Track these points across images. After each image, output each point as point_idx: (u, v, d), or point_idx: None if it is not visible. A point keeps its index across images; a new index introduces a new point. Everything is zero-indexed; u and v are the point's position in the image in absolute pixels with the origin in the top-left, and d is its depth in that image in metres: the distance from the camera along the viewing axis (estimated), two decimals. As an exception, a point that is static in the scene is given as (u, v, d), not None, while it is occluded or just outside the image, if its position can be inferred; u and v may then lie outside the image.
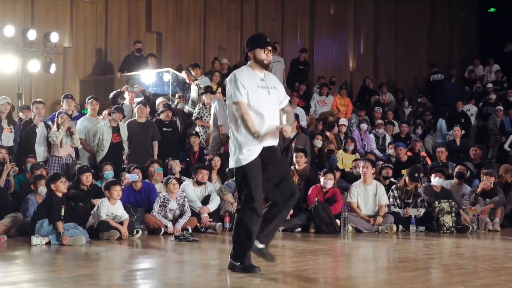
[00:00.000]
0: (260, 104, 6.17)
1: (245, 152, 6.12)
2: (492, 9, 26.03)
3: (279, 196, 6.24)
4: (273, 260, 6.33)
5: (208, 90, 14.29)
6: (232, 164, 6.25)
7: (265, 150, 6.19)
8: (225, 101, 15.21)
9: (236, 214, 6.31)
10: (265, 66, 6.29)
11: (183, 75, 15.84)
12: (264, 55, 6.25)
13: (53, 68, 14.86)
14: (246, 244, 6.16)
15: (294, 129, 6.23)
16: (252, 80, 6.21)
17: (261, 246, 6.30)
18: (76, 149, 12.40)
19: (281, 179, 6.25)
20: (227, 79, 6.32)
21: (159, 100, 14.73)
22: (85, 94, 15.36)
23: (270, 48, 6.29)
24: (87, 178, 10.64)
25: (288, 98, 6.53)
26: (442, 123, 17.37)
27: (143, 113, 13.14)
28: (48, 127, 12.07)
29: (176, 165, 12.35)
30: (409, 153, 15.23)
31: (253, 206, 6.09)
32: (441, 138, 17.15)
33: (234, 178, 11.25)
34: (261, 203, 6.14)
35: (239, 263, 6.19)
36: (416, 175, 11.94)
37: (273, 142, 6.27)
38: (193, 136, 13.64)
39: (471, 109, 19.09)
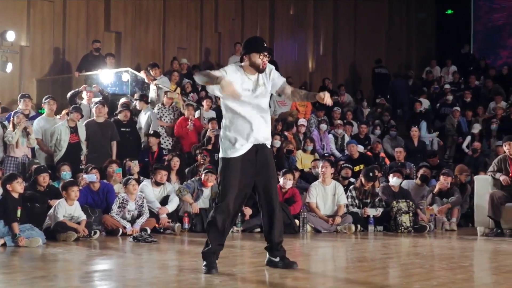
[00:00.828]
0: (243, 107, 6.19)
1: (232, 146, 6.20)
2: (449, 11, 26.33)
3: (265, 209, 6.32)
4: (294, 266, 6.35)
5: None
6: (220, 155, 6.35)
7: (260, 150, 6.24)
8: (184, 101, 15.23)
9: (210, 214, 6.40)
10: (260, 71, 6.28)
11: (142, 75, 15.78)
12: (259, 60, 6.23)
13: (9, 67, 14.70)
14: (214, 241, 6.22)
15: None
16: (237, 82, 6.17)
17: (276, 259, 6.38)
18: (33, 149, 12.27)
19: (269, 189, 6.32)
20: None
21: (122, 100, 14.67)
22: (42, 93, 15.22)
23: (266, 53, 6.26)
24: (44, 179, 10.53)
25: (284, 80, 6.49)
26: (422, 125, 17.49)
27: (101, 113, 13.04)
28: (4, 127, 11.91)
29: (134, 166, 12.29)
30: (369, 153, 15.37)
31: (224, 203, 6.16)
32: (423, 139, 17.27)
33: (195, 178, 11.33)
34: (232, 200, 6.17)
35: (204, 263, 6.21)
36: (371, 174, 12.06)
37: (266, 140, 6.30)
38: (152, 137, 13.58)
39: (424, 103, 19.34)
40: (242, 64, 6.34)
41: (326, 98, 6.18)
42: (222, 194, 6.21)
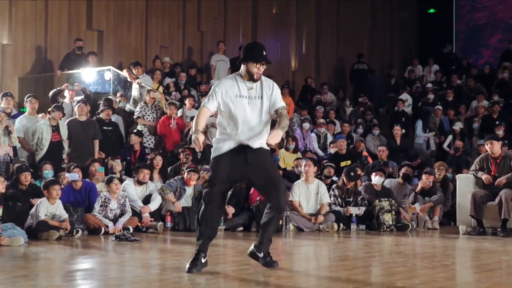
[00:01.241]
0: (237, 111, 6.27)
1: (217, 145, 6.37)
2: (431, 10, 26.42)
3: (269, 205, 6.40)
4: (275, 265, 6.42)
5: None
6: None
7: (249, 151, 6.29)
8: (166, 100, 15.20)
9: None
10: (254, 80, 6.33)
11: (124, 73, 15.73)
12: (255, 69, 6.29)
13: (-9, 66, 14.61)
14: (199, 233, 6.30)
15: (282, 134, 6.29)
16: (232, 90, 6.30)
17: (260, 255, 6.45)
18: (15, 148, 12.21)
19: (270, 188, 6.36)
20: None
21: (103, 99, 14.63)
22: (24, 92, 15.15)
23: (263, 62, 6.33)
24: (26, 178, 10.49)
25: (282, 103, 6.48)
26: (418, 124, 17.53)
27: (83, 112, 13.03)
28: (-15, 126, 11.85)
29: (117, 165, 12.25)
30: (365, 153, 15.44)
31: (209, 196, 6.26)
32: (418, 139, 17.28)
33: (177, 177, 11.31)
34: (218, 194, 6.28)
35: (188, 266, 6.21)
36: (352, 174, 12.10)
37: (253, 143, 6.30)
38: (134, 135, 13.55)
39: (408, 99, 19.43)
40: (240, 72, 6.41)
41: (269, 142, 6.26)
42: (208, 185, 6.37)
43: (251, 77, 6.31)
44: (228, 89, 6.31)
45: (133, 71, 15.52)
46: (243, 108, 6.29)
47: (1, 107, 12.69)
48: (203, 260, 6.20)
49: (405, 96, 19.67)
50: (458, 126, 17.16)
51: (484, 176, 10.96)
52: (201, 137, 6.14)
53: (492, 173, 10.99)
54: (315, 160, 12.72)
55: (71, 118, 13.19)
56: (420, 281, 5.85)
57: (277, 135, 6.12)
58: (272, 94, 6.40)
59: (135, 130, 13.82)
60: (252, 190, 11.59)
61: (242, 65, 6.38)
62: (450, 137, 17.00)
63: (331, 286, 5.70)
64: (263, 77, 6.41)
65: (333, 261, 7.72)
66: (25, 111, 13.03)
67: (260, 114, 6.34)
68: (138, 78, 15.37)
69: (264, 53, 6.35)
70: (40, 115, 13.12)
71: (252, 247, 6.52)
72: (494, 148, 11.04)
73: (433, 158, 16.65)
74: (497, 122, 16.14)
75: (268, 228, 6.41)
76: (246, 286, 5.56)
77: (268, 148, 6.49)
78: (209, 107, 6.33)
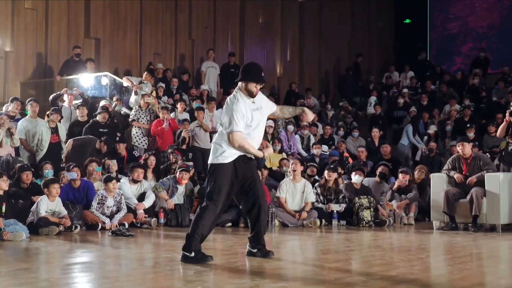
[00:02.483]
0: (254, 124, 6.50)
1: (222, 154, 6.44)
2: (407, 20, 26.49)
3: (251, 207, 6.63)
4: (270, 255, 6.68)
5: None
6: (210, 160, 6.57)
7: (242, 162, 6.51)
8: (159, 103, 15.18)
9: (198, 208, 6.56)
10: (252, 97, 6.53)
11: (124, 81, 15.74)
12: (255, 88, 6.51)
13: (-6, 71, 14.56)
14: (200, 235, 6.36)
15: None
16: (247, 108, 6.45)
17: (254, 250, 6.70)
18: (16, 149, 12.17)
19: (257, 195, 6.59)
20: (226, 104, 6.57)
21: (102, 103, 14.60)
22: (25, 96, 15.10)
23: (261, 83, 6.57)
24: (27, 176, 10.50)
25: (274, 104, 6.94)
26: (408, 128, 17.54)
27: (82, 114, 13.17)
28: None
29: (113, 165, 12.23)
30: (346, 154, 15.48)
31: (213, 202, 6.37)
32: (407, 142, 17.25)
33: (170, 176, 11.29)
34: (221, 201, 6.42)
35: (192, 254, 6.28)
36: (332, 165, 12.27)
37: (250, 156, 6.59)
38: (118, 143, 13.40)
39: (371, 99, 19.54)
40: (239, 90, 6.54)
41: (308, 116, 6.68)
42: (212, 194, 6.41)
43: (250, 94, 6.51)
44: (245, 108, 6.45)
45: (144, 75, 15.69)
46: (258, 119, 6.55)
47: (9, 110, 12.71)
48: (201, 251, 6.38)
49: (373, 98, 19.76)
50: (432, 129, 17.21)
51: (456, 175, 11.01)
52: (265, 151, 6.64)
53: (464, 172, 11.04)
54: (302, 160, 12.77)
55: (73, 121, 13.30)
56: (397, 273, 5.86)
57: (309, 112, 6.78)
58: (267, 102, 6.74)
59: (117, 139, 13.65)
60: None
61: (241, 83, 6.54)
62: (424, 139, 17.05)
63: (315, 277, 5.70)
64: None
65: (316, 254, 7.73)
66: (27, 114, 13.00)
67: (264, 121, 6.69)
68: (142, 82, 15.37)
69: (262, 74, 6.61)
70: (41, 118, 13.10)
71: (248, 247, 6.77)
72: (465, 149, 11.09)
73: (410, 159, 16.70)
74: (468, 125, 16.21)
75: (258, 223, 6.68)
76: (234, 278, 5.56)
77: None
78: (240, 129, 6.40)
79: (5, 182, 9.25)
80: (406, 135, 17.25)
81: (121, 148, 13.42)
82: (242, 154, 6.48)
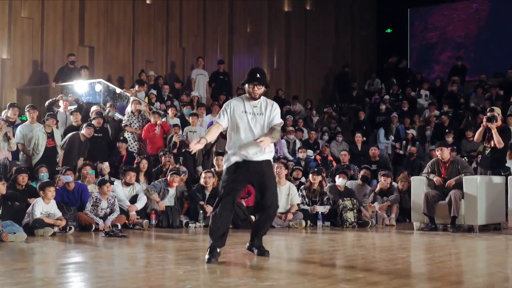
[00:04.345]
0: (242, 125, 6.60)
1: (228, 157, 6.70)
2: (389, 30, 26.56)
3: (261, 207, 6.80)
4: (267, 254, 6.85)
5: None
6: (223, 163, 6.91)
7: (251, 163, 6.64)
8: (150, 109, 15.15)
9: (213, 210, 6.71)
10: (253, 99, 6.67)
11: (125, 92, 15.78)
12: (250, 89, 6.66)
13: (-9, 78, 14.48)
14: (215, 236, 6.51)
15: (270, 141, 6.56)
16: (239, 108, 6.63)
17: (253, 247, 6.95)
18: (13, 153, 12.10)
19: (264, 191, 6.72)
20: None
21: (93, 108, 14.57)
22: (22, 102, 15.08)
23: (256, 83, 6.64)
24: (23, 179, 10.48)
25: (279, 120, 6.82)
26: (380, 132, 17.61)
27: (76, 119, 13.11)
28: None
29: (105, 167, 12.20)
30: (318, 157, 15.43)
31: (223, 203, 6.52)
32: (380, 145, 17.30)
33: (161, 179, 11.29)
34: (229, 201, 6.55)
35: (208, 256, 6.40)
36: (316, 168, 12.35)
37: (257, 157, 6.64)
38: (120, 142, 13.51)
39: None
40: (246, 92, 6.73)
41: (260, 139, 6.45)
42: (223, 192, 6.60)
43: (250, 96, 6.67)
44: (235, 106, 6.65)
45: (136, 87, 15.67)
46: (247, 122, 6.61)
47: (7, 116, 12.66)
48: (218, 250, 6.48)
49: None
50: (410, 132, 17.30)
51: (435, 178, 11.04)
52: (200, 144, 6.38)
53: (442, 175, 11.07)
54: (286, 164, 12.76)
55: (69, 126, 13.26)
56: (379, 272, 5.87)
57: (266, 140, 6.39)
58: (273, 112, 6.74)
59: (121, 138, 13.80)
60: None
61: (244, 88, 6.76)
62: (403, 143, 17.13)
63: (301, 276, 5.70)
64: (268, 99, 6.83)
65: (302, 254, 7.73)
66: (25, 119, 12.97)
67: (262, 128, 6.67)
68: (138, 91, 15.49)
69: (258, 76, 6.66)
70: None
71: (248, 244, 7.02)
72: (443, 153, 11.12)
73: (390, 163, 16.73)
74: (447, 130, 16.28)
75: (259, 226, 6.95)
76: (223, 277, 5.55)
77: (269, 159, 6.83)
78: (221, 122, 6.64)
79: (3, 186, 9.21)
80: (378, 139, 17.41)
81: (122, 148, 13.40)
82: (244, 158, 6.61)
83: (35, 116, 12.75)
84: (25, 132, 12.41)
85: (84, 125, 12.87)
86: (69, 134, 12.78)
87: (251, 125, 6.62)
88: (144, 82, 16.65)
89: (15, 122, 12.78)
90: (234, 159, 6.62)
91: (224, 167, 6.78)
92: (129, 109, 15.13)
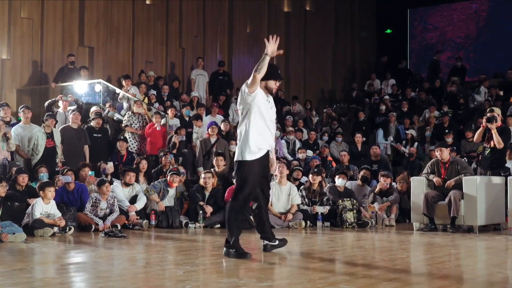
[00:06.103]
0: (265, 113, 6.77)
1: (253, 148, 6.68)
2: (388, 31, 26.58)
3: (264, 200, 6.99)
4: (285, 242, 7.25)
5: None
6: (237, 157, 6.80)
7: (267, 155, 6.84)
8: (150, 110, 15.16)
9: (228, 205, 6.80)
10: (272, 94, 6.92)
11: (124, 92, 15.78)
12: (275, 85, 6.87)
13: (-9, 79, 14.47)
14: (237, 231, 6.67)
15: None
16: (263, 97, 6.81)
17: (271, 243, 7.17)
18: (12, 153, 12.09)
19: (267, 184, 6.99)
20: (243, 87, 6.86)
21: (93, 109, 14.56)
22: (22, 102, 15.08)
23: (280, 80, 6.95)
24: (23, 179, 10.46)
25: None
26: (379, 132, 17.61)
27: (77, 119, 13.04)
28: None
29: (109, 168, 12.19)
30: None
31: (245, 198, 6.66)
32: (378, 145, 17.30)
33: (161, 179, 11.23)
34: (251, 198, 6.75)
35: (233, 250, 6.57)
36: (316, 169, 12.26)
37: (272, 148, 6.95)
38: (121, 141, 13.53)
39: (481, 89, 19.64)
40: (260, 87, 6.82)
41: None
42: (243, 189, 6.64)
43: (269, 92, 6.85)
44: (259, 93, 6.77)
45: (123, 83, 15.59)
46: (268, 111, 6.83)
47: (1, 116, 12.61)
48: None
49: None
50: (410, 132, 17.30)
51: (435, 179, 11.04)
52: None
53: (442, 176, 11.07)
54: (287, 164, 12.77)
55: (64, 125, 13.16)
56: (378, 272, 5.87)
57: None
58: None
59: (121, 137, 13.80)
60: (227, 191, 11.58)
61: (261, 83, 6.81)
62: (403, 143, 17.12)
63: (301, 276, 5.70)
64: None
65: (302, 255, 7.72)
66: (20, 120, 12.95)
67: (274, 116, 6.97)
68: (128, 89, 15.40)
69: (280, 72, 6.97)
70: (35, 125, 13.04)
71: (265, 243, 7.20)
72: (443, 154, 11.13)
73: (390, 162, 16.73)
74: (446, 131, 16.29)
75: (266, 221, 7.11)
76: (223, 277, 5.55)
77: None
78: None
79: (4, 188, 9.21)
80: (376, 139, 17.42)
81: (123, 147, 13.41)
82: (270, 147, 6.81)
83: (29, 116, 12.70)
84: (18, 132, 12.39)
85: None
86: (59, 128, 12.80)
87: (271, 117, 6.83)
88: (129, 76, 16.55)
89: (11, 122, 12.73)
90: (262, 152, 6.73)
91: (249, 158, 6.69)
92: (124, 106, 15.15)
